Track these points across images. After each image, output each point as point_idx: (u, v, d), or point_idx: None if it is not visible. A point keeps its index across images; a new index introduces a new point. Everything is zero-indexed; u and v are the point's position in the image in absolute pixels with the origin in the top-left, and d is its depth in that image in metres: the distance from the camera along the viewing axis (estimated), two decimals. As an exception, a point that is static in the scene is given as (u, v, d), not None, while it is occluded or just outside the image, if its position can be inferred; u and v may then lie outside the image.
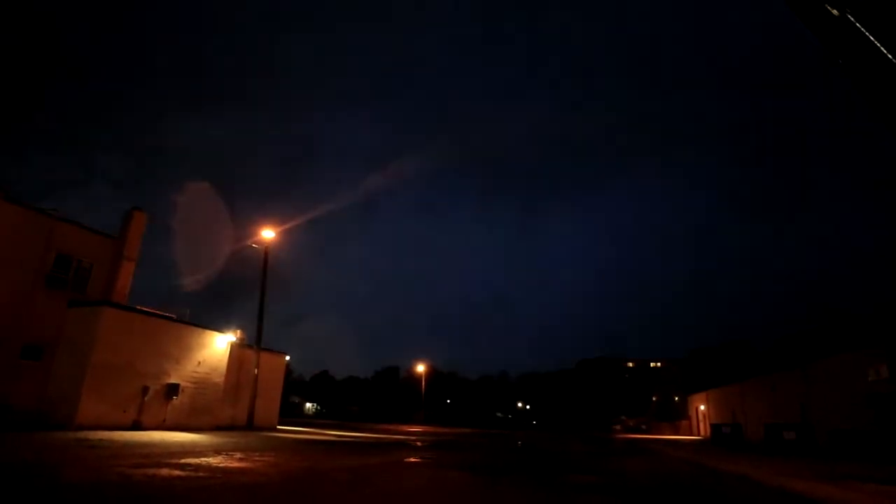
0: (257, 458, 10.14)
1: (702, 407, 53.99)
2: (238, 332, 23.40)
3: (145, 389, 17.52)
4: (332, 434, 23.44)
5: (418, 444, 19.31)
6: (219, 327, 21.42)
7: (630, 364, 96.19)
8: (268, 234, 25.58)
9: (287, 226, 27.46)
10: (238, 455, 10.55)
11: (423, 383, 69.79)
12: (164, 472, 7.36)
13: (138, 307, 19.35)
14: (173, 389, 18.48)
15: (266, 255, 25.24)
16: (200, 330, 20.32)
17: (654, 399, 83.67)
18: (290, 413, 61.74)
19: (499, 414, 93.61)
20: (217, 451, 11.18)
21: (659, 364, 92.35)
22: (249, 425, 22.25)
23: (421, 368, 71.80)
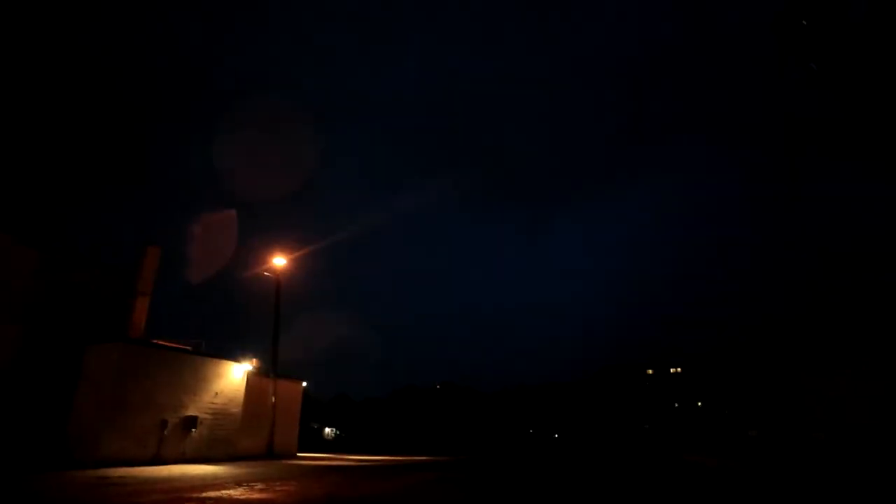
0: (279, 489, 10.07)
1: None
2: (254, 360, 23.40)
3: (164, 423, 17.53)
4: (352, 459, 23.28)
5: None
6: (234, 357, 21.46)
7: (650, 371, 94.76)
8: (279, 261, 25.72)
9: (298, 253, 27.56)
10: (259, 486, 10.48)
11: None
12: (186, 507, 7.32)
13: (154, 341, 19.43)
14: (192, 422, 18.47)
15: (278, 283, 25.35)
16: (216, 360, 20.35)
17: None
18: (310, 439, 61.45)
19: (529, 430, 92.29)
20: (238, 482, 11.12)
21: (679, 370, 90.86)
22: (269, 454, 22.14)
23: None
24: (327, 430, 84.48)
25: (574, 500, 9.38)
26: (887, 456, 17.91)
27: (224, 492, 9.31)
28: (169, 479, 11.61)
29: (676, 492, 10.95)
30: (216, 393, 19.86)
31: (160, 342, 19.47)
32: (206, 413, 19.29)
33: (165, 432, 17.52)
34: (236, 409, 20.75)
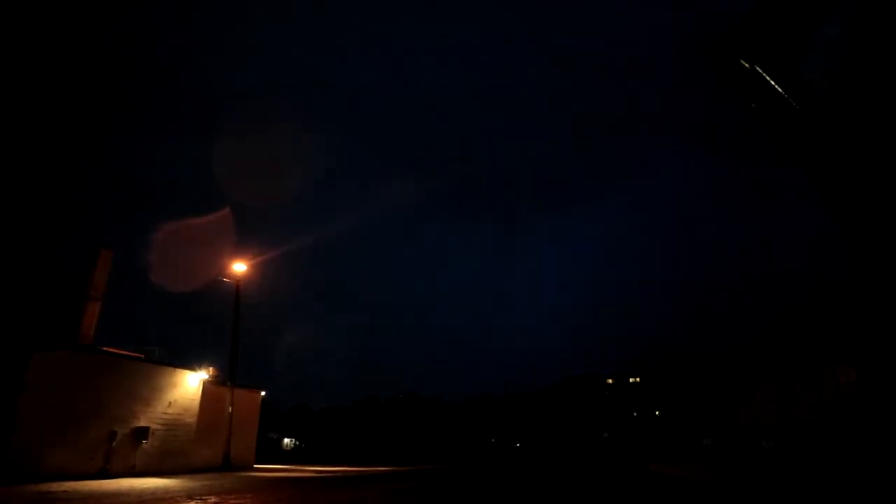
0: (233, 502, 9.83)
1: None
2: (211, 369, 22.77)
3: (113, 434, 16.84)
4: (311, 469, 22.89)
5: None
6: (190, 365, 20.84)
7: (610, 381, 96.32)
8: (239, 267, 25.18)
9: (260, 258, 27.02)
10: (212, 499, 10.20)
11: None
12: (134, 523, 7.07)
13: (104, 349, 18.70)
14: (143, 433, 17.80)
15: (238, 290, 24.80)
16: (170, 369, 19.72)
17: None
18: (268, 450, 59.97)
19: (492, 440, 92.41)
20: (190, 496, 10.79)
21: (638, 379, 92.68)
22: (225, 466, 21.52)
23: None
24: (286, 440, 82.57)
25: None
26: (831, 463, 18.75)
27: (175, 506, 9.02)
28: (117, 494, 11.16)
29: None
30: (170, 402, 19.22)
31: (111, 349, 18.75)
32: (159, 424, 18.63)
33: (114, 444, 16.83)
34: (191, 419, 20.13)
